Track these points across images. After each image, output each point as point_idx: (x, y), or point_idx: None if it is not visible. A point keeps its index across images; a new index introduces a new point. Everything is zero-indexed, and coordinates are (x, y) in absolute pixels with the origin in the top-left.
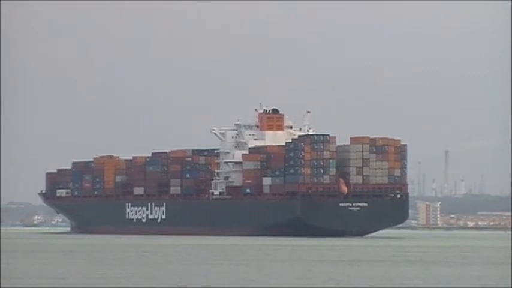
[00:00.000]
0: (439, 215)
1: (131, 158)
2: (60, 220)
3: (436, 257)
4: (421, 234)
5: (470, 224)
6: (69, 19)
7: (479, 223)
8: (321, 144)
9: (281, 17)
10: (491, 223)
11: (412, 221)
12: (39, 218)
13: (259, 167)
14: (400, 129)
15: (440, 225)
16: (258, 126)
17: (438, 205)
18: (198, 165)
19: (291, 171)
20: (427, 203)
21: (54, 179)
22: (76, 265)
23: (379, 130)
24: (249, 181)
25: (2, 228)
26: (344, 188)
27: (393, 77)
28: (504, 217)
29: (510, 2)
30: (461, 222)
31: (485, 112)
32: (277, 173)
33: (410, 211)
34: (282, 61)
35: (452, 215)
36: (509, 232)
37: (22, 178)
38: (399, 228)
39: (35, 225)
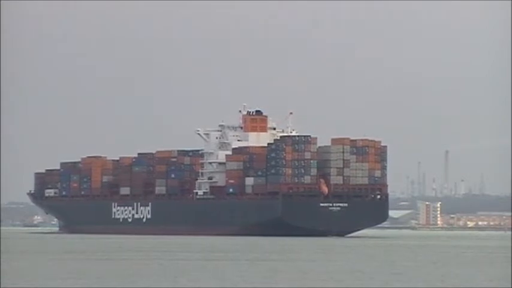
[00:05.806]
0: (439, 215)
1: (118, 158)
2: None
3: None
4: (420, 234)
5: (470, 224)
6: (69, 19)
7: (479, 223)
8: (302, 145)
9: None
10: (491, 223)
11: (412, 221)
12: (39, 218)
13: (242, 168)
14: (400, 130)
15: (440, 225)
16: (241, 128)
17: (438, 205)
18: (182, 165)
19: (273, 171)
20: (427, 203)
21: (43, 179)
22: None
23: (379, 130)
24: (232, 181)
25: (2, 228)
26: (325, 188)
27: (393, 77)
28: (504, 217)
29: (510, 2)
30: (461, 222)
31: (485, 112)
32: (259, 173)
33: (411, 211)
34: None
35: (452, 215)
36: (509, 232)
37: (22, 178)
38: (400, 228)
39: (35, 225)
